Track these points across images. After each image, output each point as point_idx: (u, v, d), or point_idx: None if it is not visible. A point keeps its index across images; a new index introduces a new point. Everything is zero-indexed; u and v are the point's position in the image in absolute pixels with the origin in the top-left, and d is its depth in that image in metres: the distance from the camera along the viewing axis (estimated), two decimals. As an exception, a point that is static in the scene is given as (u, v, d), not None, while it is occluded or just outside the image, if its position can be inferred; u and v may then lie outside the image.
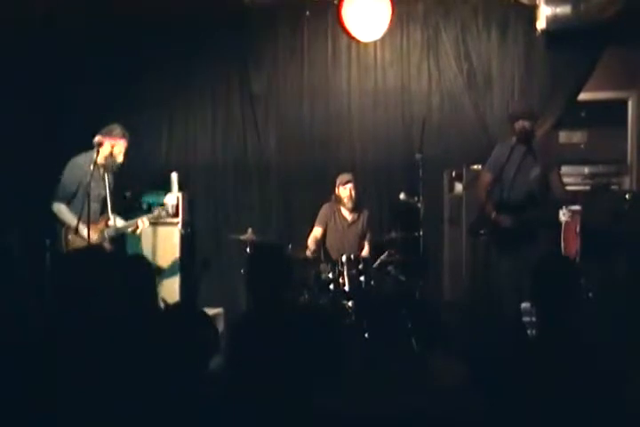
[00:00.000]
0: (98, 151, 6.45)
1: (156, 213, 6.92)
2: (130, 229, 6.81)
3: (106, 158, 6.53)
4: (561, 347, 3.28)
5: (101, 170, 6.51)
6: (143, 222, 6.79)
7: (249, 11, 7.89)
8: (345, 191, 7.34)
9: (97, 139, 6.51)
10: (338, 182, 7.38)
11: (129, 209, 7.28)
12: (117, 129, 6.60)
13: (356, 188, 7.39)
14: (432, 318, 7.07)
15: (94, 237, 6.32)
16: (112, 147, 6.55)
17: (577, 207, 6.85)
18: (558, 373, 3.20)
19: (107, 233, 6.56)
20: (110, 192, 6.53)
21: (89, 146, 6.55)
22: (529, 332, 6.20)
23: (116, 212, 6.74)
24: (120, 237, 7.01)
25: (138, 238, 7.59)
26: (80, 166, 6.51)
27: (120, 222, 6.73)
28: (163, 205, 7.14)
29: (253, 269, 4.38)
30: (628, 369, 3.51)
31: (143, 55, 8.18)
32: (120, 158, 6.63)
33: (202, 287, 8.20)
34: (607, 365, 3.30)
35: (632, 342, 5.73)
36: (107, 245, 6.54)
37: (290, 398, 3.86)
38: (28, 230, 6.91)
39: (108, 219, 6.59)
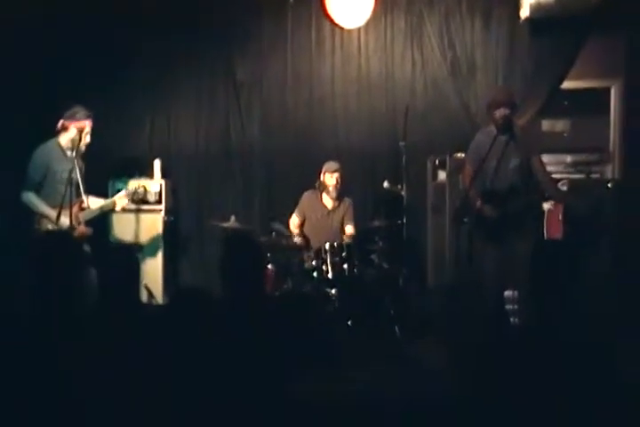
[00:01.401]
0: (62, 135, 6.41)
1: (132, 189, 6.83)
2: (109, 208, 6.77)
3: (72, 141, 6.42)
4: (543, 333, 3.30)
5: (69, 153, 6.44)
6: (121, 199, 6.73)
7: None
8: (331, 180, 7.32)
9: (60, 123, 6.43)
10: (324, 170, 7.36)
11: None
12: (81, 111, 6.49)
13: (342, 177, 7.37)
14: (415, 305, 7.10)
15: (68, 221, 6.24)
16: (77, 129, 6.46)
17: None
18: (541, 359, 3.21)
19: (82, 216, 6.46)
20: (82, 175, 6.46)
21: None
22: (511, 319, 6.25)
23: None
24: (101, 222, 6.99)
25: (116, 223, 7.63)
26: (46, 153, 6.42)
27: (96, 203, 6.66)
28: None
29: (226, 257, 4.37)
30: (608, 356, 3.53)
31: (127, 42, 8.11)
32: (87, 139, 6.53)
33: (185, 274, 8.21)
34: (587, 352, 3.32)
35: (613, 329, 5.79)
36: (82, 229, 6.41)
37: (271, 386, 3.86)
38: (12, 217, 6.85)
39: (82, 201, 6.52)
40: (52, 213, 6.20)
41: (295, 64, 8.24)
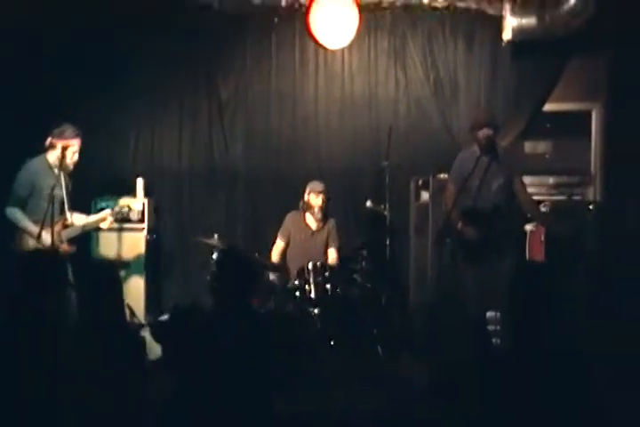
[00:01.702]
0: (50, 153, 6.40)
1: (117, 209, 6.81)
2: (98, 224, 6.76)
3: (60, 159, 6.42)
4: (524, 353, 3.32)
5: (56, 171, 6.43)
6: (103, 219, 6.72)
7: (218, 17, 7.87)
8: (317, 200, 7.30)
9: (49, 141, 6.42)
10: (309, 190, 7.35)
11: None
12: (69, 130, 6.47)
13: (327, 198, 7.38)
14: (398, 325, 7.10)
15: (50, 239, 6.21)
16: (65, 148, 6.44)
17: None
18: (522, 379, 3.24)
19: (64, 234, 6.44)
20: (67, 193, 6.45)
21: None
22: (493, 340, 6.25)
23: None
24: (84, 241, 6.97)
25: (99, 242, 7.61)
26: (33, 169, 6.41)
27: (80, 220, 6.64)
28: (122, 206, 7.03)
29: (220, 276, 4.36)
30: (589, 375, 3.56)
31: (111, 59, 8.08)
32: (74, 158, 6.52)
33: (167, 293, 8.19)
34: (568, 370, 3.35)
35: (593, 348, 5.81)
36: (65, 247, 6.40)
37: (255, 404, 3.86)
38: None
39: (66, 219, 6.50)
40: (35, 230, 6.18)
41: (279, 83, 8.25)
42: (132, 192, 7.87)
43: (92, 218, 6.77)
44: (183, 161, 8.34)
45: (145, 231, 7.82)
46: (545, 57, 7.71)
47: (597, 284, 6.84)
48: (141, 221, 7.78)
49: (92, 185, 7.73)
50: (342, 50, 8.09)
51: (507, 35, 7.50)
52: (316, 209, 7.31)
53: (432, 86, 8.00)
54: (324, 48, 8.03)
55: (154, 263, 7.99)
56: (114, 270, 5.19)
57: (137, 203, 7.74)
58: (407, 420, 4.75)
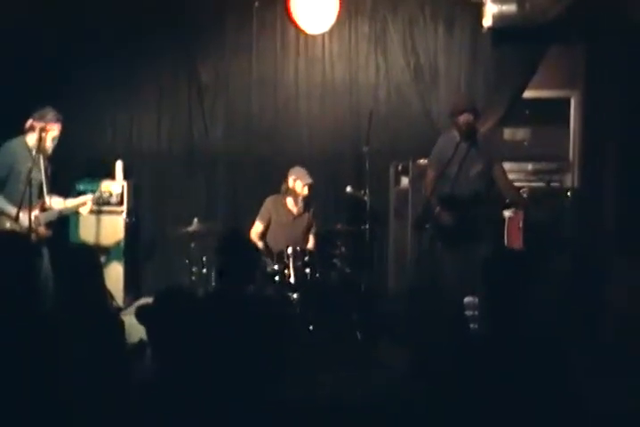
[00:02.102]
0: (29, 135, 6.36)
1: (97, 194, 6.74)
2: (77, 209, 6.72)
3: (38, 142, 6.37)
4: (502, 339, 3.35)
5: (34, 154, 6.39)
6: (82, 203, 6.67)
7: (199, 1, 7.84)
8: (304, 190, 7.30)
9: (29, 123, 6.37)
10: (294, 177, 7.31)
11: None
12: (50, 113, 6.42)
13: (312, 188, 7.38)
14: (377, 310, 7.14)
15: (27, 221, 6.16)
16: (45, 131, 6.39)
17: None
18: (498, 364, 3.27)
19: (42, 218, 6.40)
20: (46, 176, 6.40)
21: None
22: (471, 325, 6.31)
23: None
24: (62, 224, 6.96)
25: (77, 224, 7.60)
26: (11, 152, 6.36)
27: (59, 205, 6.61)
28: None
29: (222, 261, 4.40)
30: (565, 361, 3.60)
31: (91, 41, 8.03)
32: (54, 142, 6.48)
33: (146, 276, 8.20)
34: (546, 357, 3.38)
35: (570, 335, 5.88)
36: (42, 230, 6.36)
37: (234, 389, 3.88)
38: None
39: (44, 202, 6.47)
40: (13, 212, 6.14)
41: (259, 68, 8.23)
42: (111, 175, 7.83)
43: (71, 203, 6.72)
44: (163, 144, 8.33)
45: (124, 214, 7.80)
46: (525, 44, 7.74)
47: (575, 270, 6.90)
48: (120, 203, 7.76)
49: (71, 167, 7.71)
50: (323, 35, 8.10)
51: (487, 21, 7.52)
52: (301, 198, 7.34)
53: (412, 72, 8.02)
54: (305, 33, 8.02)
55: (132, 246, 7.99)
56: (93, 254, 5.18)
57: (116, 185, 7.71)
58: (386, 405, 4.78)
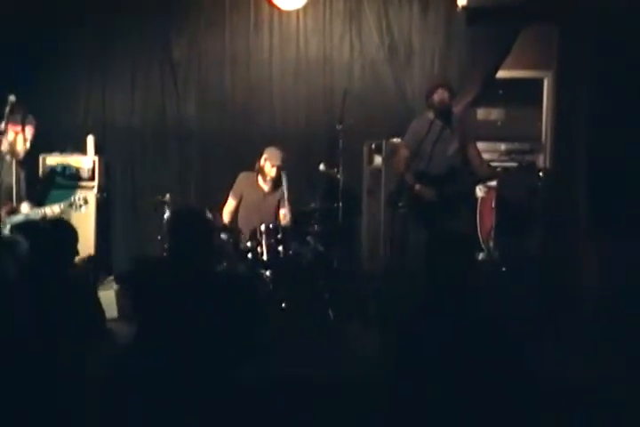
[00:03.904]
0: (3, 139, 6.27)
1: (71, 199, 6.63)
2: (39, 217, 6.52)
3: (11, 146, 6.29)
4: (471, 320, 3.37)
5: (7, 157, 6.30)
6: (52, 210, 6.54)
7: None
8: (271, 171, 7.26)
9: (1, 126, 6.28)
10: (266, 156, 7.30)
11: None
12: (23, 116, 6.38)
13: (282, 168, 7.31)
14: (349, 288, 7.15)
15: None
16: (16, 134, 6.31)
17: (493, 183, 7.00)
18: (469, 341, 3.29)
19: (8, 220, 6.31)
20: (17, 180, 6.33)
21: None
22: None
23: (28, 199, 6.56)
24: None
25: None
26: None
27: (27, 209, 6.51)
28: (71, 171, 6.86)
29: (174, 235, 4.34)
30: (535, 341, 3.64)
31: (64, 16, 7.94)
32: (27, 146, 6.40)
33: (116, 251, 8.16)
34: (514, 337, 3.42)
35: (541, 314, 5.95)
36: (4, 233, 6.28)
37: (205, 368, 3.88)
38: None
39: (12, 206, 6.39)
40: None
41: (233, 44, 8.18)
42: (82, 149, 7.79)
43: (40, 211, 6.56)
44: (135, 119, 8.26)
45: (95, 190, 7.74)
46: (499, 24, 7.75)
47: (547, 249, 6.96)
48: (92, 179, 7.71)
49: (40, 141, 7.62)
50: (297, 11, 8.06)
51: (461, 1, 7.54)
52: (269, 178, 7.32)
53: (387, 50, 7.99)
54: (279, 9, 7.98)
55: (104, 222, 7.93)
56: (69, 229, 5.17)
57: (87, 160, 7.66)
58: (357, 383, 4.80)
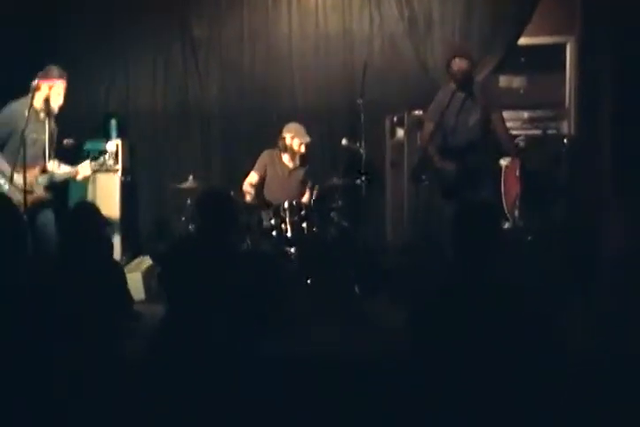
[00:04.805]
0: (34, 95, 6.27)
1: (101, 159, 6.61)
2: (70, 176, 6.59)
3: (45, 101, 6.32)
4: (498, 291, 3.33)
5: (41, 114, 6.33)
6: (84, 168, 6.54)
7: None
8: (301, 148, 7.28)
9: (34, 83, 6.30)
10: (292, 134, 7.26)
11: (70, 157, 7.05)
12: (54, 70, 6.35)
13: (308, 146, 7.34)
14: (374, 263, 7.13)
15: (22, 182, 6.14)
16: (50, 89, 6.34)
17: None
18: (496, 315, 3.25)
19: (40, 180, 6.36)
20: (50, 137, 6.36)
21: (25, 91, 6.32)
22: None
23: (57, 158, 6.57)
24: (63, 185, 6.89)
25: (83, 187, 7.54)
26: (15, 112, 6.23)
27: (60, 169, 6.53)
28: (105, 152, 6.89)
29: (202, 215, 4.39)
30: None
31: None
32: (60, 100, 6.41)
33: (143, 235, 8.20)
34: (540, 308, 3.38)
35: (567, 284, 5.89)
36: (39, 193, 6.30)
37: (232, 343, 3.90)
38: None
39: (44, 165, 6.42)
40: (8, 171, 6.08)
41: (252, 21, 8.17)
42: (105, 133, 7.83)
43: (70, 169, 6.59)
44: (158, 101, 8.30)
45: (119, 173, 7.77)
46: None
47: (573, 217, 6.88)
48: (115, 162, 7.73)
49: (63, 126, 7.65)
50: (316, -14, 7.99)
51: (481, -32, 7.44)
52: (298, 155, 7.34)
53: (407, 22, 7.88)
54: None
55: (129, 205, 7.96)
56: (97, 212, 5.22)
57: (111, 144, 7.68)
58: (383, 360, 4.79)
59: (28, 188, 6.05)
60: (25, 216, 5.73)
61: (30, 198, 6.08)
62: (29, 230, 5.83)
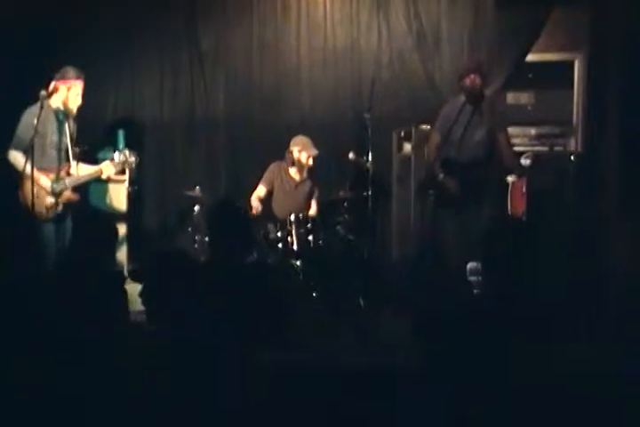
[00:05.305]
0: (52, 97, 6.30)
1: (122, 157, 6.66)
2: (95, 176, 6.63)
3: (63, 103, 6.36)
4: (506, 304, 3.34)
5: (60, 116, 6.36)
6: (107, 167, 6.58)
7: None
8: (309, 161, 7.34)
9: (52, 85, 6.32)
10: (300, 148, 7.32)
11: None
12: (71, 71, 6.39)
13: (316, 159, 7.37)
14: (380, 277, 7.13)
15: (53, 185, 6.21)
16: (68, 90, 6.37)
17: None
18: (503, 330, 3.26)
19: (67, 182, 6.38)
20: (71, 139, 6.39)
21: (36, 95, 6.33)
22: (475, 290, 6.30)
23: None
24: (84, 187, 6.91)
25: (102, 189, 7.55)
26: (35, 113, 6.21)
27: (84, 170, 6.56)
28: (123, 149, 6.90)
29: (211, 228, 4.40)
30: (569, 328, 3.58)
31: (88, 9, 8.02)
32: (78, 101, 6.44)
33: (149, 243, 8.19)
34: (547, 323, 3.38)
35: (574, 298, 5.88)
36: (69, 194, 6.37)
37: (237, 355, 3.89)
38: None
39: (70, 167, 6.45)
40: (38, 176, 6.12)
41: (260, 33, 8.19)
42: (113, 143, 7.83)
43: (94, 168, 6.64)
44: (164, 112, 8.32)
45: (126, 183, 7.77)
46: (528, 6, 7.63)
47: (578, 234, 6.87)
48: (122, 172, 7.72)
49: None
50: (325, -1, 8.02)
51: (490, -17, 7.46)
52: (306, 168, 7.38)
53: (415, 37, 7.90)
54: (307, -3, 7.97)
55: (136, 216, 7.97)
56: (110, 221, 5.23)
57: (116, 154, 7.68)
58: (388, 372, 4.78)
59: (54, 188, 6.16)
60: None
61: (60, 200, 6.26)
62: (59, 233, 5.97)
